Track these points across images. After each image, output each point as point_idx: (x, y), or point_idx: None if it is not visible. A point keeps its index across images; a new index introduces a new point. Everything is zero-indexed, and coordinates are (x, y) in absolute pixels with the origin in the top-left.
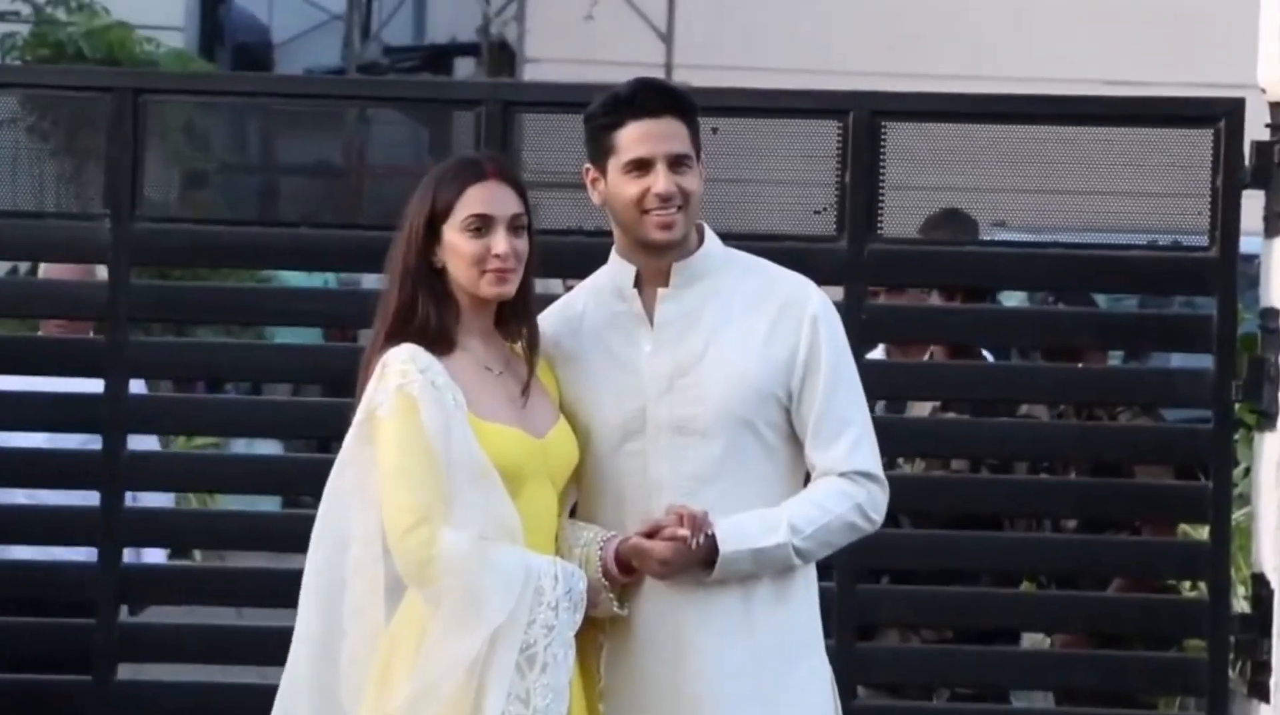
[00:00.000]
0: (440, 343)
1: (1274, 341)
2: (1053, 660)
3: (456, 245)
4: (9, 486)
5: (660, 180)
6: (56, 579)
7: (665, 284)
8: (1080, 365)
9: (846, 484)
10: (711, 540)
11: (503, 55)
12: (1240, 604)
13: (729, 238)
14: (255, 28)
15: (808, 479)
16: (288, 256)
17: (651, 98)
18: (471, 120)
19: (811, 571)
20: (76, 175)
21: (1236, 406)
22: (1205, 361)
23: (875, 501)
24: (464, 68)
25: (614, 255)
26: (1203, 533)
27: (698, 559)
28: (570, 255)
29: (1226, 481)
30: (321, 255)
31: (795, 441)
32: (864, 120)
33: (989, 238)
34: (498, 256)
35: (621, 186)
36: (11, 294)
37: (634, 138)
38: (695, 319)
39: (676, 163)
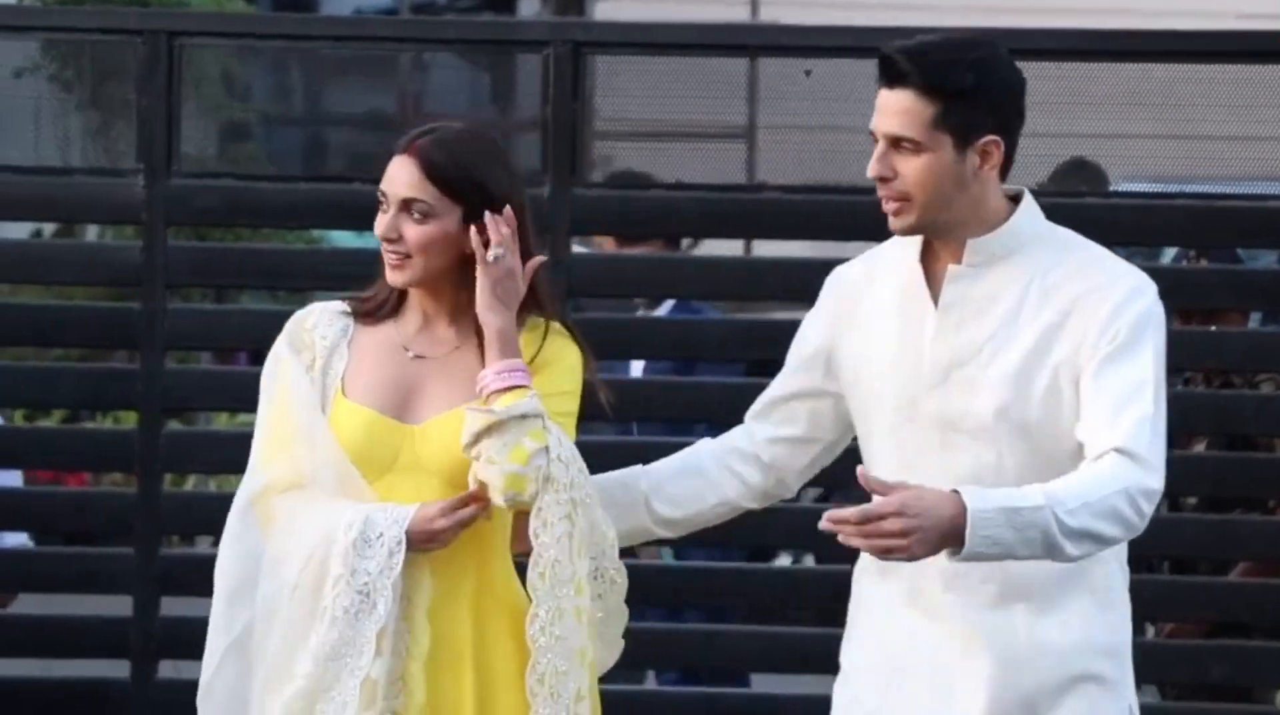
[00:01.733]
0: (375, 313)
1: None
2: (1172, 652)
3: None
4: (39, 467)
5: (872, 161)
6: (91, 570)
7: (959, 260)
8: (1214, 328)
9: (1124, 464)
10: (956, 500)
11: None
12: None
13: (826, 191)
14: None
15: None
16: (337, 215)
17: (891, 65)
18: (538, 64)
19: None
20: (105, 128)
21: None
22: None
23: (1148, 490)
24: (529, 6)
25: None
26: None
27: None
28: (652, 209)
29: None
30: (373, 213)
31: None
32: None
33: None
34: (382, 238)
35: None
36: (36, 258)
37: (876, 106)
38: (986, 304)
39: (896, 144)
